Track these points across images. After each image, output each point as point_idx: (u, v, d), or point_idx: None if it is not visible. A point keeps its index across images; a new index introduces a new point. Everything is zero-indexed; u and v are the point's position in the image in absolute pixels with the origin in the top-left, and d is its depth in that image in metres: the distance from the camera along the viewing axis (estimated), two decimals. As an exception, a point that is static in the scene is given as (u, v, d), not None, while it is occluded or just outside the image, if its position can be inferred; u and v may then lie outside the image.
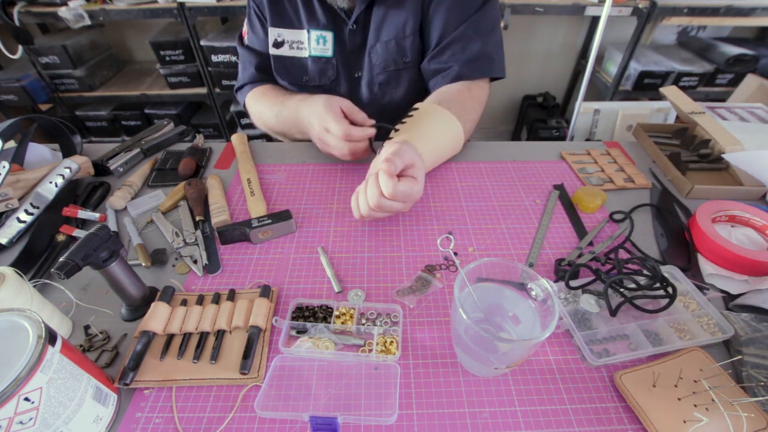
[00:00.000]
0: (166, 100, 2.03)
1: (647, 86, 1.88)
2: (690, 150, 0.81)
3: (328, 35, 0.77)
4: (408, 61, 0.78)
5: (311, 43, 0.78)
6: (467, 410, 0.44)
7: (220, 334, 0.50)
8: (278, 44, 0.80)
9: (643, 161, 0.82)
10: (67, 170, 0.72)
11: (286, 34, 0.79)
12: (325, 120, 0.66)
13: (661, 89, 0.87)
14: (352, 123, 0.67)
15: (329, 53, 0.79)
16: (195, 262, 0.60)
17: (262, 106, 0.82)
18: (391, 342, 0.49)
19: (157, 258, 0.61)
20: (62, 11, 1.63)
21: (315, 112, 0.68)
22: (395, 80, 0.80)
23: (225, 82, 1.90)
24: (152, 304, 0.51)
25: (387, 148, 0.57)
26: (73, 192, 0.73)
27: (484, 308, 0.46)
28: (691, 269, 0.59)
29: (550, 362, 0.48)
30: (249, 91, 0.86)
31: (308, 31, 0.77)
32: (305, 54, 0.80)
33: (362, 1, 0.75)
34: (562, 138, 2.06)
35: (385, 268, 0.60)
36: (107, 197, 0.73)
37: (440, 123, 0.69)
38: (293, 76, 0.83)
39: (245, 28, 0.86)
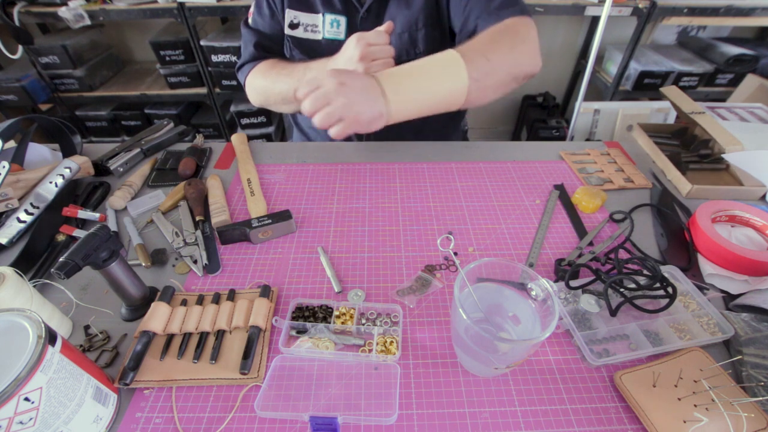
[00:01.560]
0: (166, 100, 2.03)
1: (647, 86, 1.88)
2: (690, 150, 0.81)
3: (342, 20, 0.80)
4: (419, 52, 0.80)
5: (325, 26, 0.81)
6: (467, 410, 0.44)
7: (220, 334, 0.50)
8: (294, 26, 0.83)
9: (643, 161, 0.82)
10: (67, 170, 0.72)
11: (302, 17, 0.82)
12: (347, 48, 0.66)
13: (661, 89, 0.87)
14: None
15: (342, 36, 0.81)
16: (195, 262, 0.60)
17: (272, 79, 0.82)
18: (391, 342, 0.49)
19: (157, 258, 0.61)
20: (62, 11, 1.63)
21: (344, 51, 0.68)
22: None
23: (225, 82, 1.90)
24: (152, 304, 0.51)
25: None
26: (73, 192, 0.73)
27: (484, 308, 0.46)
28: (691, 269, 0.59)
29: (550, 362, 0.48)
30: (251, 69, 0.87)
31: (323, 15, 0.80)
32: (319, 36, 0.83)
33: None
34: (562, 138, 2.05)
35: (385, 268, 0.60)
36: (107, 197, 0.73)
37: (432, 66, 0.61)
38: (307, 56, 0.85)
39: (251, 9, 0.88)
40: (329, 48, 0.81)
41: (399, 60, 0.79)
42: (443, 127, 0.96)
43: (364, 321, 0.52)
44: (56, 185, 0.70)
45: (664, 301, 0.51)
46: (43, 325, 0.36)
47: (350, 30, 0.81)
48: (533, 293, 0.45)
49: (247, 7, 1.74)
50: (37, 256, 0.61)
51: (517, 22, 0.67)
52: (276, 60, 0.85)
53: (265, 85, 0.84)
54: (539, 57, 0.67)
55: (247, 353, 0.47)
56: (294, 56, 0.87)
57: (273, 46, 0.87)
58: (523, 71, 0.65)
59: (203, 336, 0.50)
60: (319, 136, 0.97)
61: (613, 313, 0.51)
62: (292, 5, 0.82)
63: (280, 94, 0.82)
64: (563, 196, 0.72)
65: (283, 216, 0.64)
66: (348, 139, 0.94)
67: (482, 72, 0.61)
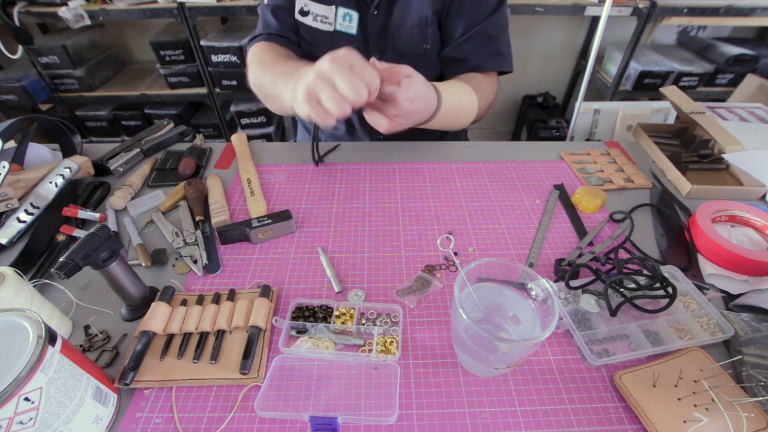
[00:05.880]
0: (166, 100, 2.03)
1: (647, 86, 1.88)
2: (690, 150, 0.81)
3: (354, 15, 0.80)
4: (428, 48, 0.82)
5: (338, 18, 0.80)
6: (467, 410, 0.44)
7: (220, 334, 0.50)
8: (303, 13, 0.82)
9: (643, 161, 0.82)
10: (67, 170, 0.72)
11: (313, 6, 0.80)
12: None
13: (661, 89, 0.87)
14: None
15: (353, 31, 0.81)
16: (195, 262, 0.60)
17: (260, 64, 0.76)
18: (391, 342, 0.49)
19: (157, 258, 0.61)
20: (62, 11, 1.63)
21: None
22: (415, 65, 0.80)
23: (225, 82, 1.90)
24: (152, 304, 0.51)
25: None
26: (73, 192, 0.73)
27: (484, 308, 0.46)
28: (691, 269, 0.59)
29: (550, 362, 0.48)
30: (256, 43, 0.83)
31: (336, 7, 0.79)
32: (330, 28, 0.81)
33: None
34: (562, 138, 2.05)
35: (385, 268, 0.60)
36: (107, 197, 0.73)
37: (458, 85, 0.73)
38: (318, 45, 0.83)
39: None
40: (341, 41, 0.81)
41: (410, 54, 0.83)
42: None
43: (364, 321, 0.52)
44: (56, 185, 0.70)
45: (664, 301, 0.51)
46: (43, 325, 0.36)
47: (362, 26, 0.80)
48: (533, 293, 0.45)
49: (248, 7, 1.73)
50: (37, 256, 0.61)
51: (495, 86, 0.85)
52: (274, 46, 0.80)
53: (261, 81, 0.76)
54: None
55: (247, 353, 0.47)
56: (305, 45, 0.84)
57: (289, 17, 0.82)
58: (476, 120, 0.81)
59: (203, 336, 0.50)
60: (323, 134, 0.97)
61: (613, 313, 0.51)
62: None
63: (258, 84, 0.77)
64: (563, 196, 0.72)
65: (283, 216, 0.64)
66: (355, 138, 0.93)
67: (481, 103, 0.77)
